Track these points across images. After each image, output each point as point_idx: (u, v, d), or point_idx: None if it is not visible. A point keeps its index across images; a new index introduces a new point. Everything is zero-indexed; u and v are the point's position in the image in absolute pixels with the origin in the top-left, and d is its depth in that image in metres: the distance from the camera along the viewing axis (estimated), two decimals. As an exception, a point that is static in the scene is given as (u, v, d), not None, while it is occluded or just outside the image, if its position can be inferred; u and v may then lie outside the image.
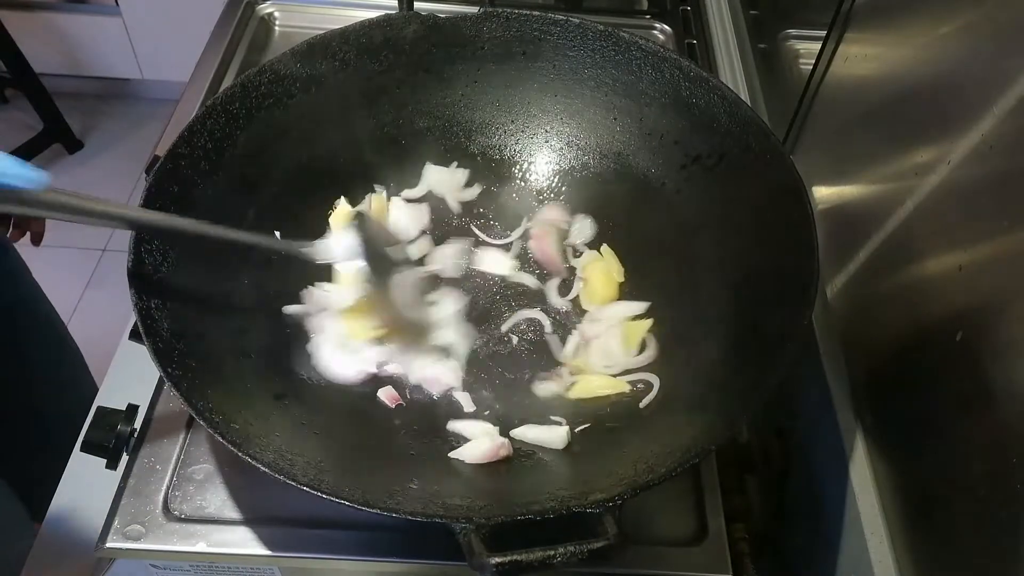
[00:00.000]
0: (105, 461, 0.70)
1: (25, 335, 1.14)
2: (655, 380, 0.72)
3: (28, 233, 0.95)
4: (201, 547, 0.65)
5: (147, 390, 0.74)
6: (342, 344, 0.73)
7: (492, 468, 0.65)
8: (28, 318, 1.15)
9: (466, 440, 0.68)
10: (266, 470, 0.53)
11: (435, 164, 0.86)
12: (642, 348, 0.75)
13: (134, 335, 0.66)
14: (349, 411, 0.70)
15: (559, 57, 0.84)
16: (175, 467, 0.69)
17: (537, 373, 0.74)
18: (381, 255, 0.74)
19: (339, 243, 0.72)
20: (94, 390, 0.78)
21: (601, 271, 0.80)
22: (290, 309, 0.74)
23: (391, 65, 0.83)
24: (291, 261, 0.75)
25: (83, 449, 0.70)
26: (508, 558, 0.49)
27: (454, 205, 0.86)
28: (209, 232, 0.66)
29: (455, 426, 0.69)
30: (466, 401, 0.72)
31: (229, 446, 0.54)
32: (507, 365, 0.75)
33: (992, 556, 0.53)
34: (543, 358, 0.76)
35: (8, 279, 1.10)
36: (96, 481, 0.70)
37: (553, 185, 0.87)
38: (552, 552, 0.49)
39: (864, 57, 0.77)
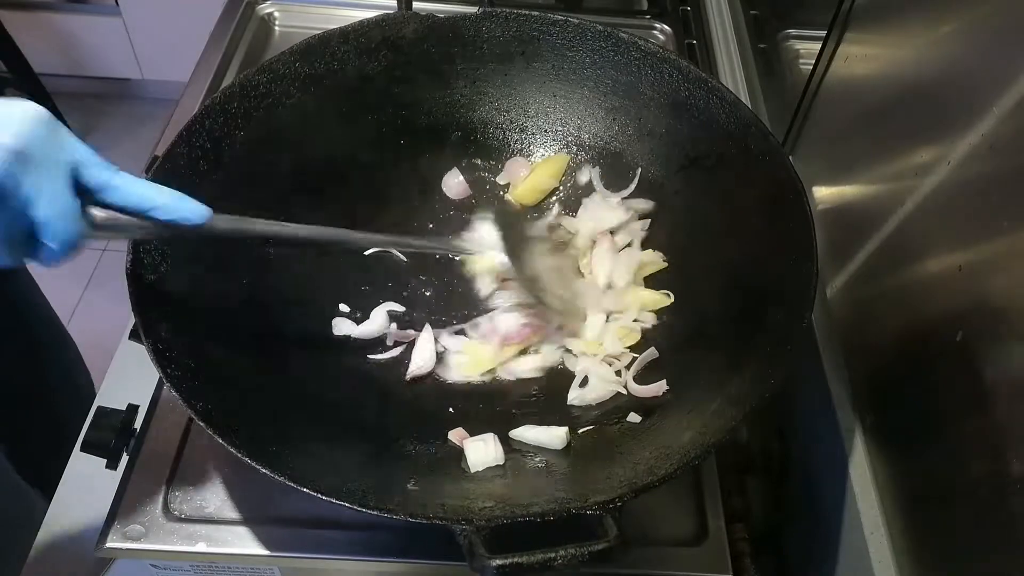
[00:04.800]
0: (105, 461, 0.70)
1: (27, 330, 1.14)
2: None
3: None
4: (201, 547, 0.65)
5: (147, 390, 0.74)
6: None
7: (492, 469, 0.65)
8: (30, 314, 1.15)
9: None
10: (265, 471, 0.53)
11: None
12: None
13: (134, 335, 0.66)
14: (349, 411, 0.70)
15: (558, 57, 0.84)
16: (175, 467, 0.69)
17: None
18: (519, 241, 0.77)
19: (483, 235, 0.76)
20: (91, 388, 0.78)
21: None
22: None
23: (390, 65, 0.83)
24: (291, 262, 0.76)
25: (83, 449, 0.70)
26: (509, 560, 0.49)
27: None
28: (375, 240, 0.75)
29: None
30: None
31: (228, 446, 0.54)
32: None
33: (992, 556, 0.53)
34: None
35: (8, 274, 1.10)
36: (96, 481, 0.70)
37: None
38: (553, 554, 0.49)
39: (864, 57, 0.77)
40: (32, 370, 1.15)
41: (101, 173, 0.53)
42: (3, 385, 1.08)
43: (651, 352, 0.73)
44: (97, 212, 0.53)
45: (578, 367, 0.74)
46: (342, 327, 0.76)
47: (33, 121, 0.49)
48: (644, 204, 0.82)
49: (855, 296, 0.76)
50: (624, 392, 0.72)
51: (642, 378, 0.72)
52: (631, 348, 0.75)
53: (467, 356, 0.74)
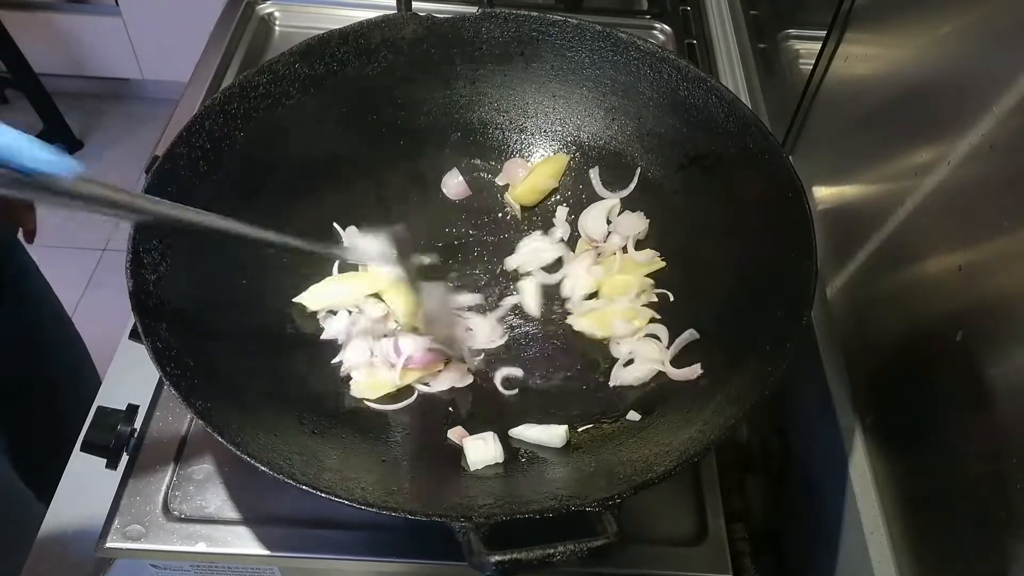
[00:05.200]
0: (105, 461, 0.70)
1: (37, 329, 1.14)
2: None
3: (20, 231, 0.94)
4: (201, 547, 0.65)
5: (147, 390, 0.74)
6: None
7: (492, 467, 0.65)
8: (38, 314, 1.15)
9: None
10: (265, 469, 0.53)
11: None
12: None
13: (134, 335, 0.66)
14: (348, 410, 0.70)
15: (557, 58, 0.84)
16: (175, 467, 0.69)
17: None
18: (411, 262, 0.74)
19: (373, 246, 0.73)
20: (98, 384, 0.78)
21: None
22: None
23: (390, 65, 0.83)
24: (290, 263, 0.76)
25: (83, 449, 0.70)
26: (508, 556, 0.49)
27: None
28: (245, 232, 0.63)
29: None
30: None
31: (228, 445, 0.54)
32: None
33: (992, 556, 0.53)
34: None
35: (21, 274, 1.10)
36: (96, 481, 0.70)
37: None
38: (552, 550, 0.49)
39: (864, 57, 0.77)
40: (39, 369, 1.15)
41: None
42: (9, 384, 1.08)
43: (690, 334, 0.73)
44: None
45: (622, 349, 0.74)
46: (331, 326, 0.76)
47: None
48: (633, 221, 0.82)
49: (855, 296, 0.76)
50: (663, 371, 0.72)
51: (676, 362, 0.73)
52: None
53: (365, 378, 0.72)
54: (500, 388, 0.73)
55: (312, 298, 0.75)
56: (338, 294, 0.76)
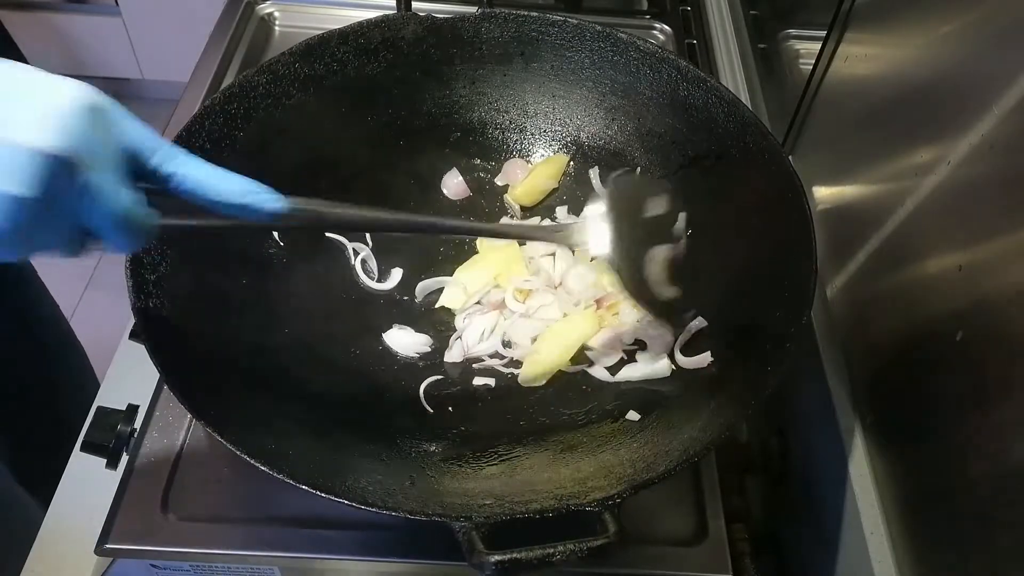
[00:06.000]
0: (105, 461, 0.70)
1: (37, 330, 1.14)
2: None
3: None
4: (201, 547, 0.65)
5: (147, 390, 0.74)
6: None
7: (491, 466, 0.65)
8: (38, 319, 1.15)
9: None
10: (265, 469, 0.53)
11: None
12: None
13: (134, 335, 0.66)
14: (348, 410, 0.70)
15: (557, 58, 0.84)
16: (175, 467, 0.69)
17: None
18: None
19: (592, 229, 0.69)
20: (96, 389, 0.79)
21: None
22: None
23: (389, 65, 0.83)
24: (290, 263, 0.76)
25: (83, 449, 0.70)
26: (508, 556, 0.49)
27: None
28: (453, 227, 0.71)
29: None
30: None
31: (228, 445, 0.54)
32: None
33: (992, 556, 0.53)
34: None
35: (20, 276, 1.10)
36: (96, 481, 0.70)
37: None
38: (552, 550, 0.49)
39: (864, 57, 0.78)
40: (39, 375, 1.15)
41: (160, 162, 0.47)
42: (9, 384, 1.08)
43: (699, 321, 0.72)
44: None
45: (625, 340, 0.74)
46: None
47: (73, 111, 0.42)
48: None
49: (855, 296, 0.76)
50: (672, 364, 0.72)
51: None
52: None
53: (530, 366, 0.73)
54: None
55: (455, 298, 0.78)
56: (477, 283, 0.78)
